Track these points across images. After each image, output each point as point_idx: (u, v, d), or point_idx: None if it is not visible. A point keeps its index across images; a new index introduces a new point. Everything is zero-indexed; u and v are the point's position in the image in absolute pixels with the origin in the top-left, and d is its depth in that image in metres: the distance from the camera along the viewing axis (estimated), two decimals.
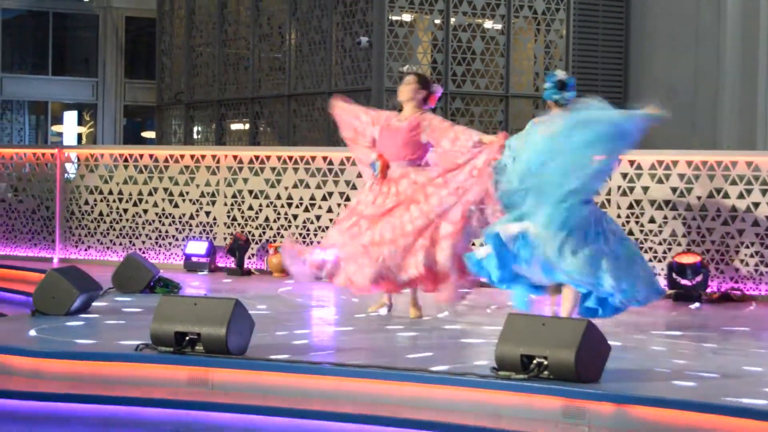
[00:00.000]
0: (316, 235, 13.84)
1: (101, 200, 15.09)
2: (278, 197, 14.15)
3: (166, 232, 14.74)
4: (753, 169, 12.12)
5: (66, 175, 15.47)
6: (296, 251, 10.27)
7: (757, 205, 12.08)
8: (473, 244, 10.58)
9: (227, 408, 7.30)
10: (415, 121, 10.10)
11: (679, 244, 12.37)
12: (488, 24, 20.59)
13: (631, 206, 12.58)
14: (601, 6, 23.37)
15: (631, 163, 12.56)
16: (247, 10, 22.91)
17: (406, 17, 20.24)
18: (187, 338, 7.79)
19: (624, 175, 12.58)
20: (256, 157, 14.35)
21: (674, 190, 12.40)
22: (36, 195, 15.56)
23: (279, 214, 14.14)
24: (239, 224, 14.33)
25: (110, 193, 15.06)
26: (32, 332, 8.94)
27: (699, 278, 11.90)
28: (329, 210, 13.83)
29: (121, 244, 14.95)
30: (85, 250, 15.15)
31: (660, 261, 12.43)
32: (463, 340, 9.10)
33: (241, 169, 14.38)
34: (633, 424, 6.59)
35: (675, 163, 12.41)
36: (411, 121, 10.11)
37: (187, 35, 24.31)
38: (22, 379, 7.94)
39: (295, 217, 14.05)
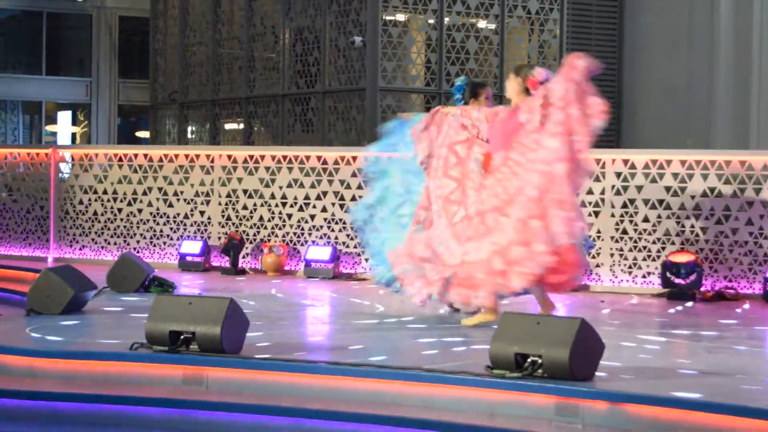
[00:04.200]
0: (310, 234, 13.85)
1: (95, 200, 15.10)
2: (272, 197, 14.16)
3: (161, 231, 14.75)
4: (746, 168, 12.15)
5: (60, 174, 15.46)
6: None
7: (750, 203, 12.11)
8: None
9: (222, 407, 7.31)
10: (514, 109, 9.71)
11: (673, 243, 12.40)
12: (482, 24, 20.60)
13: (625, 205, 12.60)
14: (594, 6, 23.38)
15: (625, 162, 12.59)
16: (241, 9, 22.90)
17: (400, 17, 20.24)
18: (182, 337, 7.80)
19: (618, 174, 12.61)
20: (251, 157, 14.35)
21: (668, 189, 12.43)
22: (30, 194, 15.56)
23: (273, 213, 14.15)
24: (233, 224, 14.34)
25: (104, 192, 15.06)
26: (27, 331, 8.95)
27: (693, 277, 11.93)
28: (323, 209, 13.85)
29: (115, 243, 14.95)
30: (80, 249, 15.16)
31: (654, 260, 12.46)
32: (458, 338, 9.11)
33: (235, 168, 14.39)
34: (626, 422, 6.61)
35: (669, 162, 12.44)
36: (509, 111, 9.72)
37: (180, 35, 24.30)
38: (17, 378, 7.94)
39: (290, 216, 14.06)
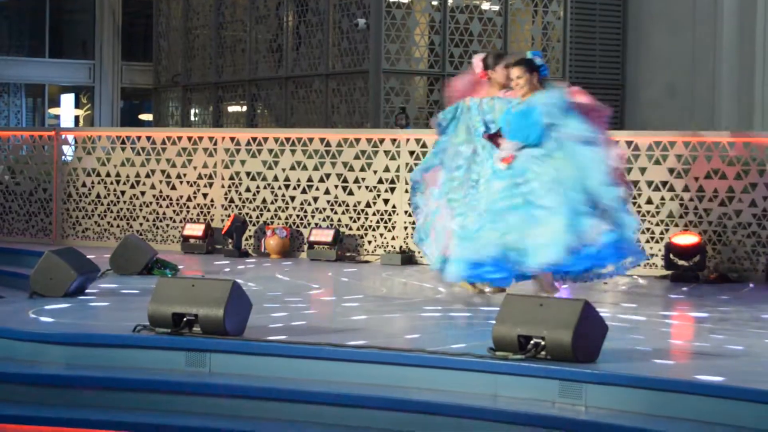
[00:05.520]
0: (313, 216, 13.84)
1: (99, 182, 15.09)
2: (275, 179, 14.14)
3: (164, 213, 14.74)
4: (750, 149, 12.12)
5: (63, 157, 15.45)
6: None
7: (754, 185, 12.08)
8: None
9: (225, 389, 7.31)
10: None
11: (677, 225, 12.38)
12: (486, 5, 20.56)
13: (628, 187, 12.56)
14: None
15: (629, 144, 12.56)
16: None
17: None
18: (185, 319, 7.79)
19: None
20: (254, 139, 14.34)
21: (671, 170, 12.40)
22: (33, 177, 15.55)
23: (276, 195, 14.14)
24: (237, 206, 14.33)
25: (108, 175, 15.05)
26: (30, 314, 8.95)
27: (696, 259, 11.92)
28: (326, 191, 13.83)
29: (118, 226, 14.94)
30: (83, 232, 15.15)
31: (657, 242, 12.44)
32: (460, 320, 9.11)
33: (238, 151, 14.38)
34: (629, 404, 6.60)
35: (672, 143, 12.41)
36: None
37: (184, 17, 24.28)
38: (20, 360, 7.94)
39: (293, 198, 14.05)
